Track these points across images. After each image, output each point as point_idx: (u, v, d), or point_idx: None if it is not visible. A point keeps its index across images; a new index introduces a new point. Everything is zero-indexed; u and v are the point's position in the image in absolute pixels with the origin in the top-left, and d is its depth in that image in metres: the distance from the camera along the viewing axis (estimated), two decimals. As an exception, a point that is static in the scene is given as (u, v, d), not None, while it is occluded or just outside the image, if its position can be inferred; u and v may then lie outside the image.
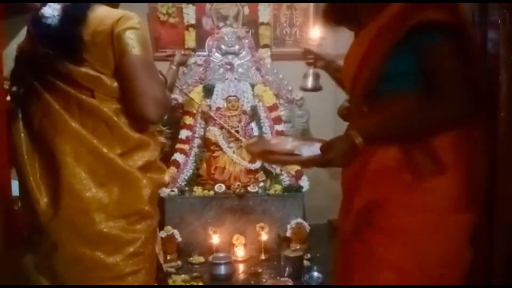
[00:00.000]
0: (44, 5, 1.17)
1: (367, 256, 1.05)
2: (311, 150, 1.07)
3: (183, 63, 2.58)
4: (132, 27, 1.13)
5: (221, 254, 2.52)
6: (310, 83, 1.60)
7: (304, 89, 1.68)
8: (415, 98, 1.00)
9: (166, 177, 1.28)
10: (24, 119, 1.17)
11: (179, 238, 2.65)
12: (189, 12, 3.19)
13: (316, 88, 1.63)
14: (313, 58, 1.44)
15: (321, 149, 1.03)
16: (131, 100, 1.13)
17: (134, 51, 1.11)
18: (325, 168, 1.09)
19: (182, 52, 2.58)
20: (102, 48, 1.12)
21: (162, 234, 2.61)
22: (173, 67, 2.41)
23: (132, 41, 1.12)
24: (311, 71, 1.57)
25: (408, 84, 1.02)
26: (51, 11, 1.15)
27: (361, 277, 1.06)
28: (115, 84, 1.14)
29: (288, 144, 1.23)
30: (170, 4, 3.20)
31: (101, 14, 1.14)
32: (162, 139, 1.50)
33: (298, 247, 2.66)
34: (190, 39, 3.20)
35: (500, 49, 1.16)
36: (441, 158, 0.98)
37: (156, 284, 1.31)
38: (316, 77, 1.63)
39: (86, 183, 1.10)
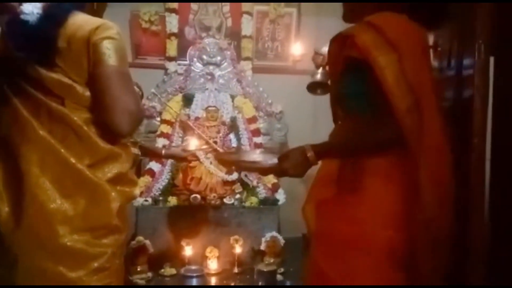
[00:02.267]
0: (23, 4, 1.13)
1: (310, 261, 1.17)
2: (273, 160, 1.15)
3: (177, 158, 2.39)
4: (110, 36, 1.11)
5: (193, 267, 2.48)
6: (318, 77, 1.63)
7: (312, 84, 1.71)
8: (368, 117, 1.07)
9: (137, 190, 1.24)
10: None
11: (150, 249, 2.59)
12: (172, 21, 3.18)
13: (323, 84, 1.66)
14: (322, 60, 1.48)
15: (279, 159, 1.10)
16: (103, 110, 1.10)
17: (110, 61, 1.09)
18: (280, 177, 1.16)
19: (182, 149, 2.44)
20: (77, 55, 1.09)
21: (133, 244, 2.55)
22: (163, 153, 2.24)
23: (109, 51, 1.09)
24: (319, 70, 1.61)
25: (361, 104, 1.09)
26: (31, 8, 1.10)
27: (305, 278, 1.19)
28: (87, 93, 1.11)
29: (255, 154, 1.36)
30: (153, 12, 3.18)
31: (80, 20, 1.12)
32: (135, 150, 1.47)
33: (272, 260, 2.64)
34: (172, 47, 3.19)
35: (475, 78, 1.20)
36: (362, 178, 1.07)
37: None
38: (324, 75, 1.66)
39: (50, 194, 1.06)
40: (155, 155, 2.36)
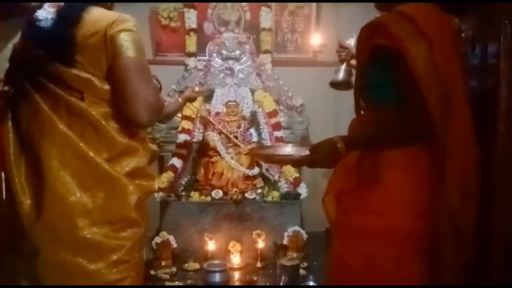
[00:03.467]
0: (40, 8, 1.16)
1: (332, 252, 1.19)
2: (305, 152, 1.18)
3: (191, 100, 2.52)
4: (127, 29, 1.12)
5: (216, 261, 2.49)
6: (341, 76, 1.61)
7: (334, 83, 1.69)
8: (394, 108, 1.08)
9: (155, 185, 1.26)
10: (14, 120, 1.15)
11: (174, 244, 2.62)
12: (191, 16, 3.18)
13: (346, 82, 1.63)
14: (346, 54, 1.47)
15: (310, 150, 1.14)
16: (122, 102, 1.11)
17: (128, 53, 1.10)
18: (312, 168, 1.19)
19: (195, 89, 2.52)
20: (95, 50, 1.10)
21: (157, 239, 2.59)
22: (180, 100, 2.36)
23: (127, 43, 1.10)
24: (343, 66, 1.59)
25: (387, 95, 1.09)
26: (45, 14, 1.14)
27: (327, 268, 1.22)
28: (106, 86, 1.12)
29: (288, 148, 1.43)
30: (172, 8, 3.19)
31: (95, 15, 1.13)
32: (154, 147, 1.49)
33: (294, 255, 2.62)
34: (191, 43, 3.19)
35: (501, 63, 1.14)
36: (382, 169, 1.08)
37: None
38: (348, 72, 1.63)
39: (70, 187, 1.08)
40: (177, 110, 2.46)
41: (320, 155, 1.11)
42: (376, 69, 1.10)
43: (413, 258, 1.08)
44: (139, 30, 1.16)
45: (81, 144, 1.10)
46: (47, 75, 1.12)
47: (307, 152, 1.15)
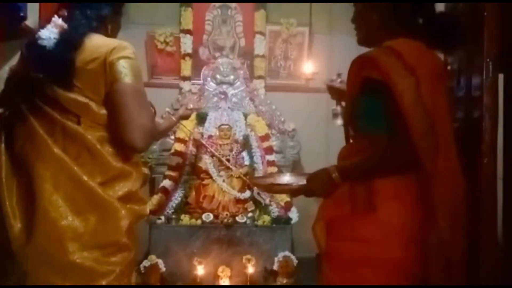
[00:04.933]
0: (42, 28, 1.19)
1: (322, 279, 1.19)
2: (302, 181, 1.20)
3: (185, 117, 2.51)
4: (126, 56, 1.15)
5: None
6: (339, 121, 1.65)
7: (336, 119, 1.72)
8: (383, 138, 1.10)
9: (147, 209, 1.26)
10: (7, 141, 1.15)
11: (163, 268, 2.58)
12: (186, 41, 3.25)
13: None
14: (338, 96, 1.51)
15: (306, 180, 1.17)
16: (119, 127, 1.13)
17: (126, 79, 1.13)
18: (309, 197, 1.20)
19: (189, 106, 2.51)
20: (94, 75, 1.13)
21: (146, 263, 2.55)
22: (173, 118, 2.32)
23: (125, 70, 1.13)
24: (339, 108, 1.62)
25: (376, 125, 1.12)
26: (48, 34, 1.16)
27: None
28: (103, 111, 1.14)
29: (286, 177, 1.46)
30: (168, 33, 3.26)
31: (96, 41, 1.16)
32: (145, 170, 1.50)
33: (284, 281, 2.60)
34: (186, 67, 3.25)
35: (484, 96, 1.18)
36: (374, 197, 1.09)
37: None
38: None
39: (62, 210, 1.08)
40: (170, 127, 2.38)
41: (316, 185, 1.13)
42: (366, 100, 1.13)
43: (404, 282, 1.07)
44: (137, 58, 1.19)
45: (75, 167, 1.10)
46: (44, 98, 1.14)
47: (304, 181, 1.17)
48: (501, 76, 1.24)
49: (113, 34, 1.29)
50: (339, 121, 1.61)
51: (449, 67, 1.49)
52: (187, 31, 3.25)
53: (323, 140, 3.23)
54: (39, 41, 1.15)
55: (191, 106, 2.56)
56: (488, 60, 1.15)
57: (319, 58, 3.22)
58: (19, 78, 1.19)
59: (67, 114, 1.13)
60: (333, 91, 1.52)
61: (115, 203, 1.13)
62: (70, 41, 1.14)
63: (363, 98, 1.14)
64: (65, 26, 1.18)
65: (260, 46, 3.30)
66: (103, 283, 1.10)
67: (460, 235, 1.07)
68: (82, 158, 1.12)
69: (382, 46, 1.11)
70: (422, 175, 1.05)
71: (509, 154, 1.25)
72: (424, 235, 1.06)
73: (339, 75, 1.49)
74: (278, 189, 1.57)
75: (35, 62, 1.15)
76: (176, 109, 2.83)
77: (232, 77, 3.14)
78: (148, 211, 1.27)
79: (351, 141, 1.30)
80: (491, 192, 1.17)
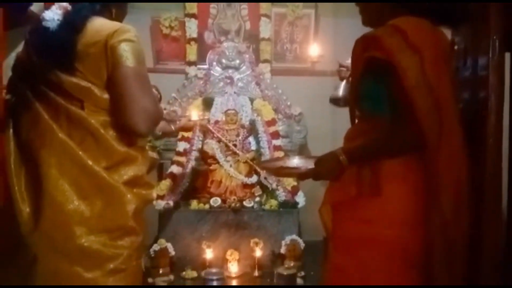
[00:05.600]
0: (47, 10, 1.18)
1: (328, 260, 1.21)
2: (310, 165, 1.21)
3: (186, 129, 2.53)
4: (127, 39, 1.13)
5: (213, 270, 2.50)
6: (341, 92, 1.64)
7: (334, 99, 1.72)
8: (388, 118, 1.10)
9: (154, 193, 1.27)
10: (15, 128, 1.17)
11: (172, 252, 2.63)
12: (192, 26, 3.23)
13: (345, 99, 1.65)
14: (345, 72, 1.50)
15: (314, 163, 1.17)
16: (121, 111, 1.12)
17: (128, 63, 1.12)
18: (317, 181, 1.21)
19: (192, 118, 2.54)
20: (95, 59, 1.12)
21: (155, 247, 2.60)
22: (173, 127, 2.30)
23: (126, 53, 1.12)
24: (342, 83, 1.61)
25: (380, 105, 1.11)
26: (52, 15, 1.16)
27: (323, 277, 1.23)
28: (105, 95, 1.14)
29: (295, 160, 1.48)
30: (173, 17, 3.24)
31: (98, 25, 1.15)
32: (154, 154, 1.51)
33: (292, 264, 2.62)
34: (192, 52, 3.23)
35: (490, 76, 1.16)
36: (379, 180, 1.10)
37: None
38: (347, 89, 1.66)
39: (68, 195, 1.09)
40: (167, 134, 2.42)
41: (324, 168, 1.14)
42: (370, 80, 1.12)
43: (406, 269, 1.09)
44: (140, 41, 1.18)
45: (80, 152, 1.11)
46: (48, 83, 1.14)
47: (312, 165, 1.18)
48: (507, 55, 1.21)
49: (118, 19, 1.27)
50: (340, 92, 1.61)
51: (455, 47, 1.46)
52: (192, 15, 3.23)
53: (330, 124, 3.20)
54: (43, 23, 1.15)
55: (193, 117, 2.55)
56: (494, 37, 1.13)
57: (325, 41, 3.17)
58: (23, 64, 1.19)
59: (70, 99, 1.13)
60: (343, 67, 1.52)
61: (120, 187, 1.14)
62: (72, 24, 1.14)
63: (367, 78, 1.13)
64: (69, 7, 1.17)
65: (265, 29, 3.26)
66: (111, 266, 1.12)
67: (463, 216, 1.07)
68: (87, 143, 1.13)
69: (386, 25, 1.10)
70: (427, 156, 1.04)
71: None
72: (427, 216, 1.06)
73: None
74: (287, 173, 1.58)
75: (38, 46, 1.15)
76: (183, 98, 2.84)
77: (237, 61, 3.11)
78: (155, 196, 1.27)
79: (356, 122, 1.30)
80: (496, 173, 1.15)
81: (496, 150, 1.15)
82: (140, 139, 1.23)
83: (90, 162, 1.11)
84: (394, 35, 1.05)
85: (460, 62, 1.41)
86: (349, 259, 1.14)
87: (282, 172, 1.50)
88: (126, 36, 1.13)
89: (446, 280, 1.06)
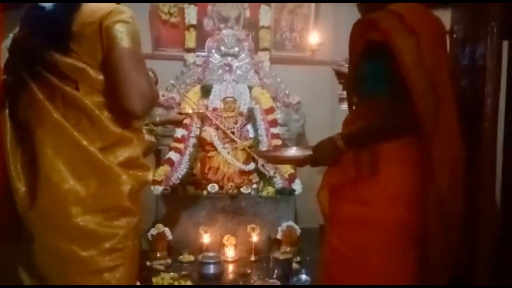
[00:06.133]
0: None
1: (325, 241, 1.22)
2: (308, 152, 1.23)
3: (174, 123, 2.56)
4: (122, 20, 1.13)
5: (210, 254, 2.53)
6: (345, 105, 1.66)
7: (343, 99, 1.74)
8: (386, 101, 1.12)
9: (150, 175, 1.25)
10: (11, 108, 1.17)
11: (169, 236, 2.66)
12: (191, 12, 3.22)
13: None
14: (345, 80, 1.51)
15: (312, 149, 1.19)
16: (116, 92, 1.12)
17: (123, 44, 1.11)
18: (315, 167, 1.23)
19: (181, 111, 2.58)
20: (90, 40, 1.11)
21: (153, 231, 2.63)
22: (157, 120, 2.35)
23: (121, 34, 1.11)
24: (345, 93, 1.62)
25: (378, 88, 1.13)
26: None
27: (320, 261, 1.25)
28: (100, 77, 1.14)
29: (292, 150, 1.51)
30: (172, 4, 3.22)
31: (93, 6, 1.14)
32: (152, 138, 1.52)
33: (288, 249, 2.66)
34: (190, 39, 3.23)
35: (487, 61, 1.18)
36: (378, 162, 1.11)
37: (138, 283, 1.29)
38: None
39: (64, 175, 1.10)
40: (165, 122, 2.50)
41: (322, 154, 1.16)
42: (368, 63, 1.14)
43: (404, 247, 1.11)
44: (136, 22, 1.17)
45: (75, 133, 1.11)
46: (43, 64, 1.14)
47: (310, 152, 1.20)
48: (505, 43, 1.23)
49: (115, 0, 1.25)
50: (345, 106, 1.63)
51: (454, 35, 1.48)
52: (192, 2, 3.22)
53: (328, 113, 3.23)
54: (38, 4, 1.14)
55: (186, 110, 2.56)
56: (493, 24, 1.14)
57: (325, 29, 3.18)
58: (20, 45, 1.18)
59: (66, 80, 1.13)
60: (340, 75, 1.53)
61: (115, 168, 1.14)
62: (67, 4, 1.13)
63: (365, 61, 1.14)
64: None
65: (265, 17, 3.25)
66: (107, 245, 1.13)
67: (458, 195, 1.09)
68: (82, 124, 1.13)
69: (383, 9, 1.12)
70: (424, 136, 1.06)
71: (510, 121, 1.26)
72: (424, 193, 1.08)
73: (346, 60, 1.49)
74: (285, 160, 1.60)
75: (34, 26, 1.15)
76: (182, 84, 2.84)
77: (236, 49, 3.12)
78: (151, 178, 1.27)
79: (354, 108, 1.31)
80: (491, 157, 1.18)
81: (492, 134, 1.17)
82: (135, 121, 1.23)
83: (85, 143, 1.11)
84: (391, 18, 1.07)
85: (459, 50, 1.43)
86: (347, 239, 1.15)
87: (280, 159, 1.52)
88: (121, 17, 1.13)
89: (443, 254, 1.08)
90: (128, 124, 1.19)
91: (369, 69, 1.14)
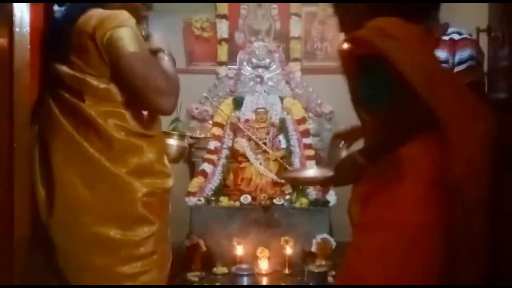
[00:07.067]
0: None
1: (351, 247, 1.21)
2: (329, 173, 1.21)
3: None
4: (118, 25, 1.12)
5: (244, 266, 2.51)
6: None
7: None
8: (392, 107, 1.11)
9: (170, 182, 1.24)
10: (33, 122, 1.22)
11: (203, 247, 2.67)
12: (223, 26, 3.28)
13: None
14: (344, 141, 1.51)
15: (334, 169, 1.18)
16: (138, 97, 1.15)
17: (128, 50, 1.11)
18: (338, 186, 1.27)
19: (194, 135, 2.65)
20: (87, 50, 1.13)
21: (187, 243, 2.65)
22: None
23: (123, 41, 1.11)
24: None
25: (382, 98, 1.12)
26: (59, 6, 1.21)
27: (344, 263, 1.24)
28: (103, 85, 1.14)
29: (312, 170, 1.53)
30: (204, 18, 3.31)
31: (89, 15, 1.15)
32: (184, 143, 1.52)
33: (323, 263, 2.59)
34: (223, 52, 3.29)
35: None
36: (401, 165, 1.10)
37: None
38: None
39: (76, 185, 1.13)
40: None
41: (343, 173, 1.15)
42: (366, 81, 1.14)
43: (431, 248, 1.09)
44: (131, 20, 1.15)
45: (85, 143, 1.14)
46: (55, 78, 1.18)
47: (331, 172, 1.19)
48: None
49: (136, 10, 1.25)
50: None
51: (492, 34, 1.41)
52: (223, 16, 3.28)
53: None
54: (55, 14, 1.20)
55: (198, 134, 2.59)
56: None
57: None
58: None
59: (73, 92, 1.15)
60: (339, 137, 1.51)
61: (124, 176, 1.14)
62: (68, 15, 1.17)
63: (361, 76, 1.15)
64: None
65: (295, 27, 3.26)
66: (123, 253, 1.14)
67: (479, 185, 1.05)
68: (90, 134, 1.14)
69: (363, 26, 1.13)
70: (441, 130, 1.05)
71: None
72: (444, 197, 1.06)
73: None
74: (305, 181, 1.60)
75: (44, 39, 1.21)
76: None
77: (267, 60, 3.14)
78: (171, 184, 1.26)
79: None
80: None
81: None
82: (148, 128, 1.23)
83: (94, 152, 1.13)
84: (372, 30, 1.10)
85: (498, 49, 1.36)
86: (369, 242, 1.13)
87: (299, 181, 1.53)
88: (116, 23, 1.12)
89: (470, 249, 1.05)
90: (135, 131, 1.19)
91: (369, 88, 1.14)
